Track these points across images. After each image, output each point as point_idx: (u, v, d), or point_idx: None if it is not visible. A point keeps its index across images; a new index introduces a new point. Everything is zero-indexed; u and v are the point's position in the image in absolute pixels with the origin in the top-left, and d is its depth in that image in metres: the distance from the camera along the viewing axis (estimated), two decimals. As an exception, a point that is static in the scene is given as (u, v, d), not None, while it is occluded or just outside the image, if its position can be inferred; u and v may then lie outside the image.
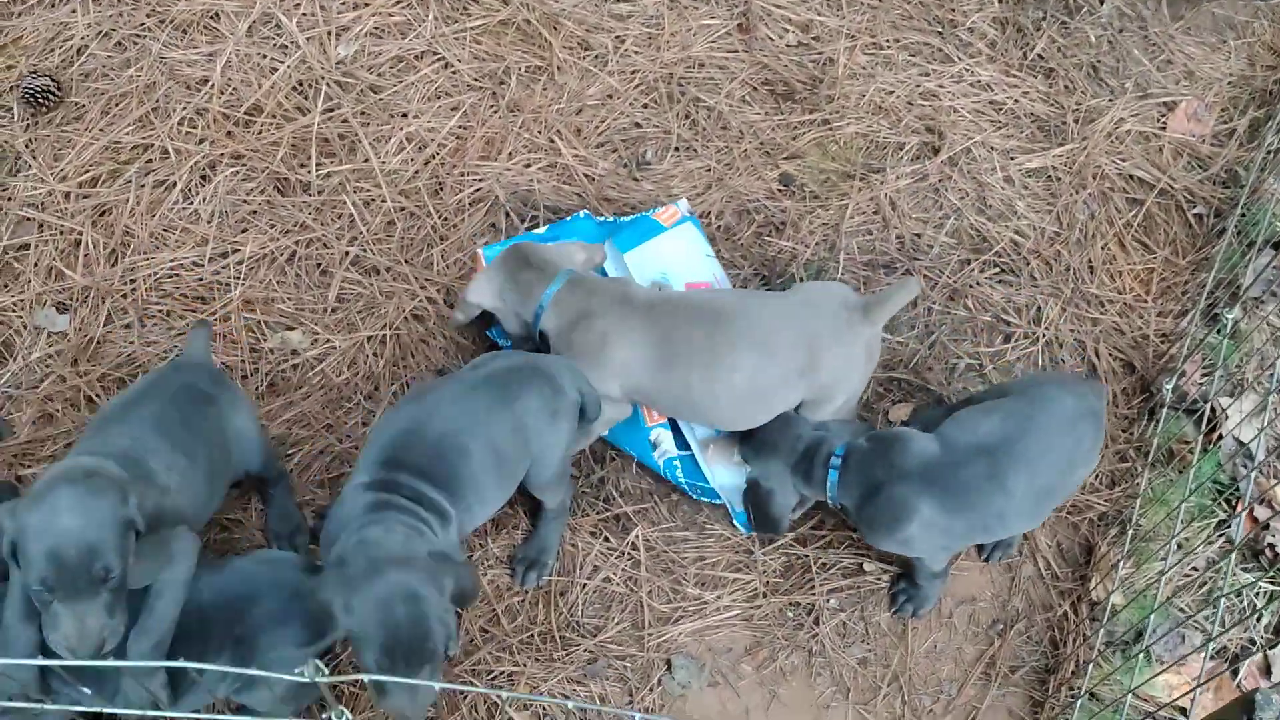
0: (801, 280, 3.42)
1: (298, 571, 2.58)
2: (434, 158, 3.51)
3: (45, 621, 2.26)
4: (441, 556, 2.45)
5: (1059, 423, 2.74)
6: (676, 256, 3.29)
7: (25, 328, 3.18)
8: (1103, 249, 3.57)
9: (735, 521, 3.12)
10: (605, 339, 2.88)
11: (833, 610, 3.05)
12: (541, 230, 3.37)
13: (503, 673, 2.90)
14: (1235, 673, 2.99)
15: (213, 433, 2.67)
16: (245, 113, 3.50)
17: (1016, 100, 3.79)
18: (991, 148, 3.70)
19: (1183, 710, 2.90)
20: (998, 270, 3.52)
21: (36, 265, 3.25)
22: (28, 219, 3.31)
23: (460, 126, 3.57)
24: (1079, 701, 2.80)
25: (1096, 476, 3.23)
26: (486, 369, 2.77)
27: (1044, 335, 3.42)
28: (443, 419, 2.64)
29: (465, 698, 2.84)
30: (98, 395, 3.10)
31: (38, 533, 2.18)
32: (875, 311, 2.90)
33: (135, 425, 2.54)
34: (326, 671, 1.71)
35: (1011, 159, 3.69)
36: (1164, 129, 3.76)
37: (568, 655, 2.93)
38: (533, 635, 2.95)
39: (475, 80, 3.64)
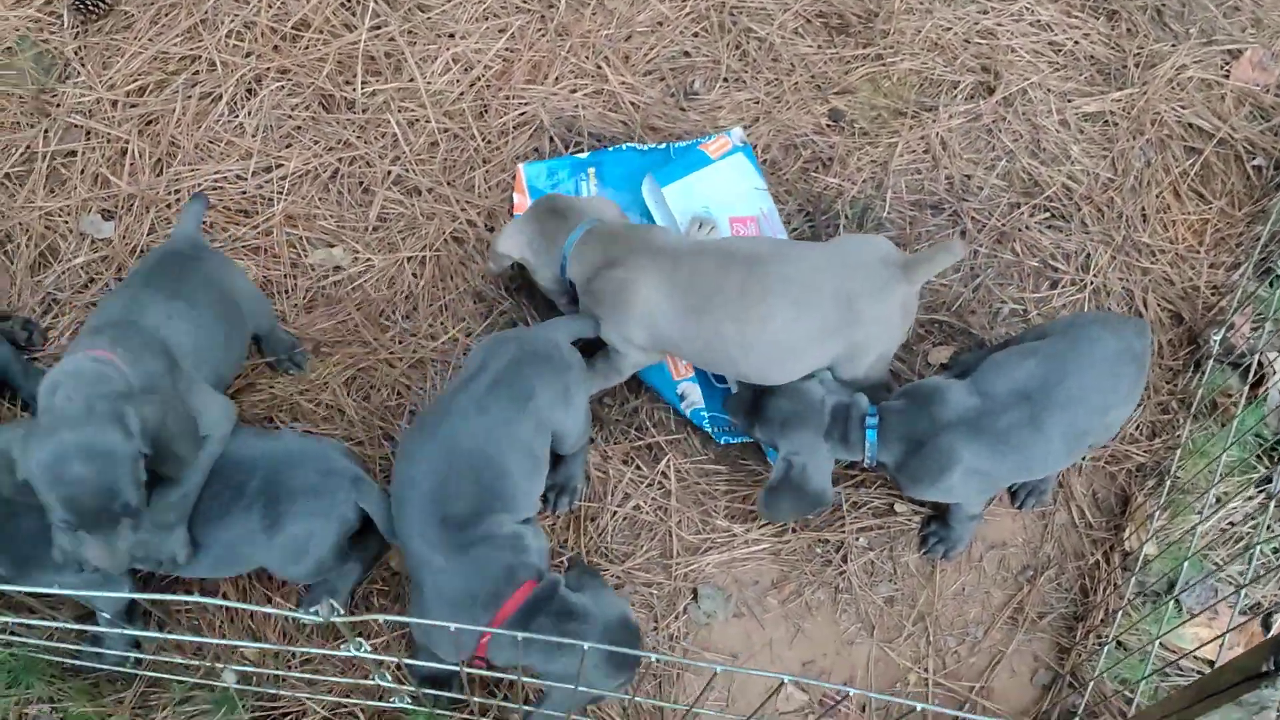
0: (847, 218, 3.38)
1: (341, 455, 2.68)
2: (480, 79, 3.49)
3: (76, 543, 2.30)
4: None
5: (1099, 364, 2.69)
6: (722, 189, 3.25)
7: (70, 233, 3.21)
8: (1157, 197, 3.49)
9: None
10: (627, 286, 2.82)
11: (861, 549, 3.04)
12: (584, 155, 3.34)
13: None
14: (1268, 627, 2.96)
15: (209, 282, 2.68)
16: (292, 27, 3.48)
17: (1076, 42, 3.70)
18: (1048, 89, 3.61)
19: (1210, 662, 2.88)
20: (1048, 215, 3.46)
21: (83, 172, 3.27)
22: (75, 126, 3.32)
23: (507, 49, 3.53)
24: (1106, 649, 2.78)
25: (1136, 427, 3.19)
26: (491, 371, 2.66)
27: (1092, 283, 3.36)
28: (468, 451, 2.56)
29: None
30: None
31: (50, 481, 2.19)
32: (915, 271, 2.78)
33: (125, 292, 2.56)
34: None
35: (1068, 102, 3.61)
36: (1227, 77, 3.66)
37: (595, 580, 2.95)
38: (563, 559, 2.96)
39: (524, 2, 3.60)
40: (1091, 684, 2.75)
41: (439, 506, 2.51)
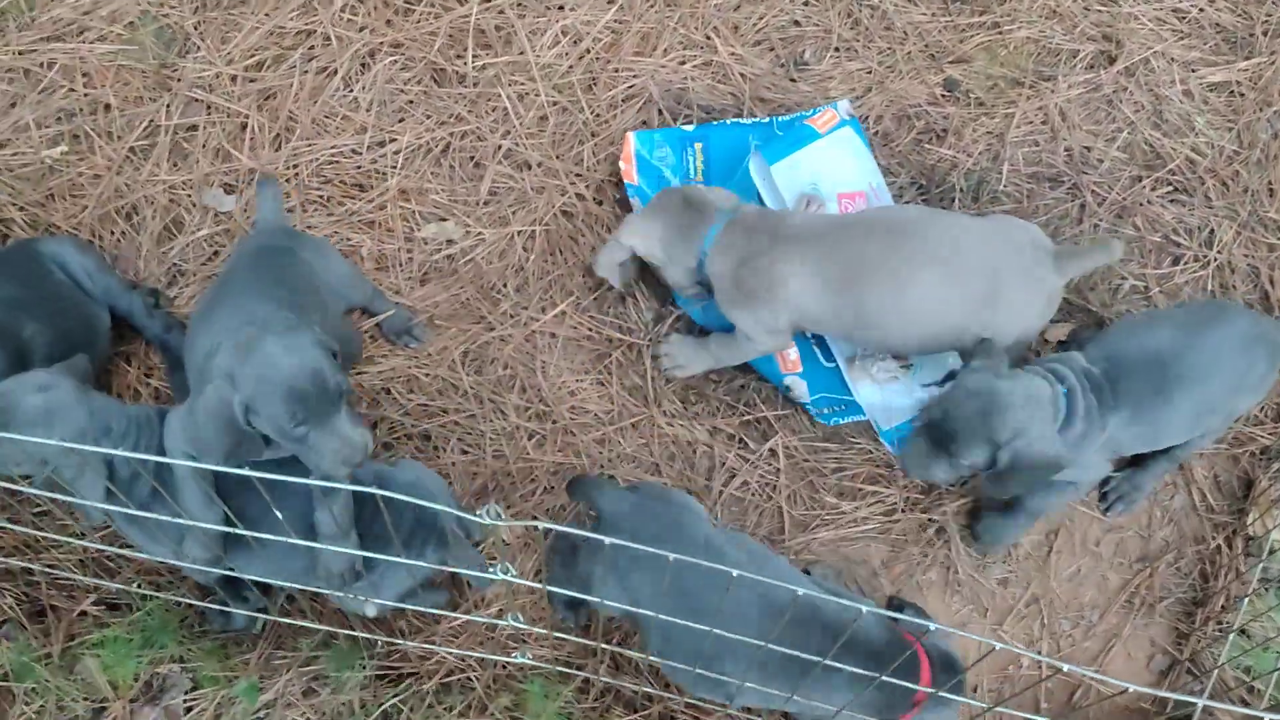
0: (961, 191, 3.32)
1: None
2: (589, 52, 3.48)
3: (309, 455, 2.34)
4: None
5: (1232, 341, 2.62)
6: (829, 164, 3.21)
7: (194, 206, 3.28)
8: (1286, 169, 3.37)
9: (881, 439, 3.08)
10: (774, 277, 2.79)
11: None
12: (690, 128, 3.32)
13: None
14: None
15: (304, 279, 2.73)
16: (405, 1, 3.50)
17: (1202, 9, 3.57)
18: (1171, 59, 3.50)
19: (1337, 654, 2.81)
20: (1170, 189, 3.36)
21: (205, 146, 3.34)
22: (196, 100, 3.39)
23: (616, 20, 3.52)
24: (1230, 637, 2.73)
25: (1262, 408, 3.10)
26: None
27: (1215, 259, 3.26)
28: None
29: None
30: (259, 276, 3.20)
31: (269, 385, 2.28)
32: (1067, 264, 2.75)
33: (229, 303, 2.57)
34: (506, 517, 1.71)
35: (1192, 71, 3.49)
36: (1364, 43, 3.51)
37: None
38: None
39: (634, -27, 3.57)
40: (1215, 672, 2.70)
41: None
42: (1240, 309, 2.70)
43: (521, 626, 1.95)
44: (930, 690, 2.24)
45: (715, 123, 3.36)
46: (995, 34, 3.51)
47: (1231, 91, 3.48)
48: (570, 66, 3.46)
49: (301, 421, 2.29)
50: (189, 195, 3.29)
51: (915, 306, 2.73)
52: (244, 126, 3.34)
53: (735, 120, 3.35)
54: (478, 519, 1.65)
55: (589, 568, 2.56)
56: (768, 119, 3.35)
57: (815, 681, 2.33)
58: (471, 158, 3.37)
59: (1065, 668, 1.42)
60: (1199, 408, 2.64)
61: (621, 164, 3.30)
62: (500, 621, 1.91)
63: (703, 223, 2.89)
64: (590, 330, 3.20)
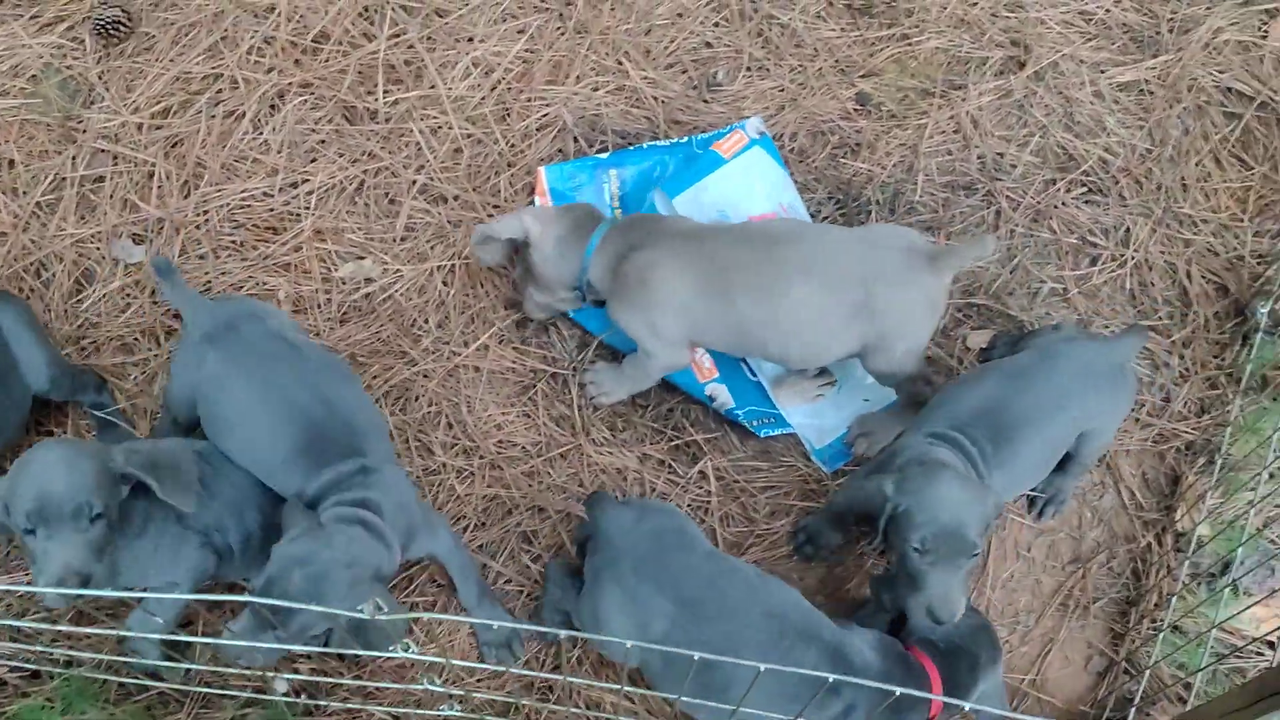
0: (878, 204, 3.32)
1: None
2: (500, 83, 3.46)
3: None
4: None
5: (1066, 376, 2.65)
6: (736, 190, 3.20)
7: (104, 259, 3.22)
8: (1197, 166, 3.40)
9: (812, 457, 3.07)
10: (651, 266, 2.80)
11: (907, 540, 3.00)
12: (604, 155, 3.31)
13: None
14: (1329, 607, 2.89)
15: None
16: (312, 40, 3.47)
17: (1108, 10, 3.61)
18: (1080, 61, 3.53)
19: (1270, 644, 2.82)
20: (1085, 190, 3.38)
21: (112, 197, 3.28)
22: (102, 151, 3.34)
23: (527, 50, 3.51)
24: (1161, 634, 2.73)
25: (1185, 404, 3.12)
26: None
27: (1133, 258, 3.28)
28: None
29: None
30: (174, 326, 3.15)
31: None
32: (942, 261, 2.74)
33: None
34: (386, 610, 1.73)
35: (1101, 72, 3.52)
36: (1265, 38, 3.55)
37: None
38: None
39: (542, 1, 3.56)
40: (1148, 671, 2.70)
41: None
42: (1075, 344, 2.72)
43: (437, 690, 1.92)
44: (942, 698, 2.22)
45: (631, 148, 3.34)
46: (904, 46, 3.53)
47: (1141, 90, 3.51)
48: (482, 98, 3.44)
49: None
50: (98, 248, 3.23)
51: (789, 317, 2.76)
52: (151, 175, 3.30)
53: (652, 144, 3.35)
54: (358, 615, 1.63)
55: (594, 584, 2.56)
56: (686, 139, 3.34)
57: (815, 706, 2.33)
58: (386, 194, 3.34)
59: (967, 707, 1.40)
60: (1052, 445, 2.67)
61: (536, 199, 3.28)
62: (396, 654, 1.87)
63: (592, 224, 2.91)
64: (514, 362, 3.17)
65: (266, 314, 2.76)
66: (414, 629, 2.84)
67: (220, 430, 2.68)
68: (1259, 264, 3.27)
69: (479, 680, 2.81)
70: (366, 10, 3.53)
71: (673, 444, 3.11)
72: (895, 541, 2.45)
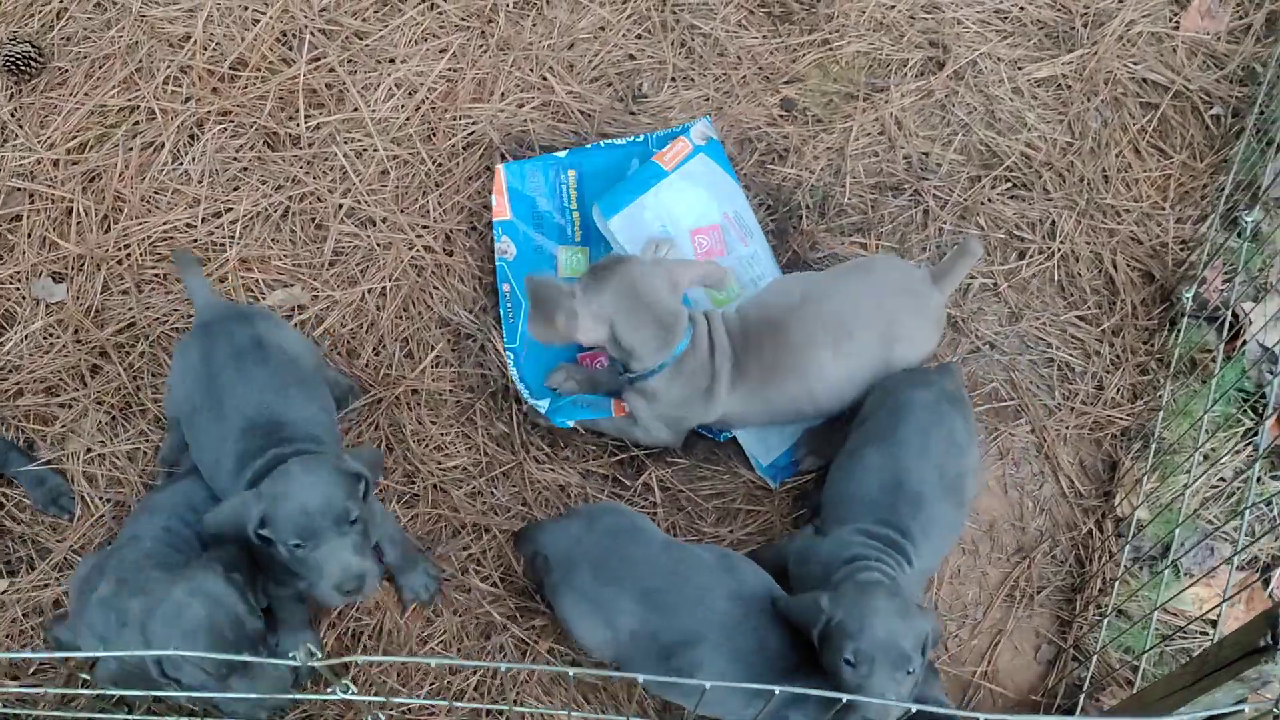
0: (808, 208, 3.34)
1: None
2: (424, 102, 3.43)
3: (309, 572, 2.39)
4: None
5: (925, 423, 2.67)
6: (679, 202, 3.17)
7: (24, 299, 3.15)
8: (1117, 157, 3.46)
9: (760, 474, 3.07)
10: (714, 387, 2.83)
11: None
12: (562, 154, 3.30)
13: (533, 626, 2.89)
14: (1266, 582, 2.94)
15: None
16: (230, 67, 3.42)
17: (1022, 8, 3.66)
18: (998, 59, 3.58)
19: (1212, 623, 2.86)
20: (1009, 185, 3.42)
21: (30, 236, 3.21)
22: (18, 189, 3.26)
23: (450, 69, 3.48)
24: (1106, 620, 2.75)
25: (1118, 391, 3.16)
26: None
27: (1059, 249, 3.33)
28: None
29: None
30: (99, 365, 3.08)
31: (283, 498, 2.35)
32: (943, 282, 2.87)
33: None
34: (320, 655, 1.70)
35: (1019, 69, 3.57)
36: (1177, 28, 3.62)
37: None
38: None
39: (462, 20, 3.55)
40: (1095, 657, 2.73)
41: None
42: (911, 386, 2.74)
43: (357, 698, 1.89)
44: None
45: (589, 146, 3.33)
46: (826, 51, 3.56)
47: (1059, 85, 3.57)
48: (407, 119, 3.42)
49: (303, 539, 2.34)
50: (18, 289, 3.16)
51: (830, 378, 2.81)
52: (69, 211, 3.23)
53: (610, 141, 3.32)
54: (290, 662, 1.60)
55: (557, 601, 2.59)
56: (642, 136, 3.33)
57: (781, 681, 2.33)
58: (313, 220, 3.29)
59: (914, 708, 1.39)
60: (953, 499, 2.66)
61: (493, 198, 3.25)
62: (334, 695, 1.85)
63: (674, 338, 2.81)
64: (451, 382, 3.14)
65: (256, 318, 2.72)
66: (349, 669, 2.80)
67: (187, 426, 2.68)
68: (1182, 250, 3.33)
69: (424, 712, 2.77)
70: (284, 35, 3.49)
71: (615, 459, 3.09)
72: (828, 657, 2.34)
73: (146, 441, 3.02)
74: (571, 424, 3.02)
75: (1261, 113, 3.40)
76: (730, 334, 2.86)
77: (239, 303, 3.04)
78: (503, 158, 3.37)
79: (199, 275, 2.79)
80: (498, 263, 3.20)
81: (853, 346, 2.79)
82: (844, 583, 2.46)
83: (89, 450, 3.00)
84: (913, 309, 2.83)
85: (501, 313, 3.17)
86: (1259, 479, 2.98)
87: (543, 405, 3.03)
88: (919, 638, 2.26)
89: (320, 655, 1.68)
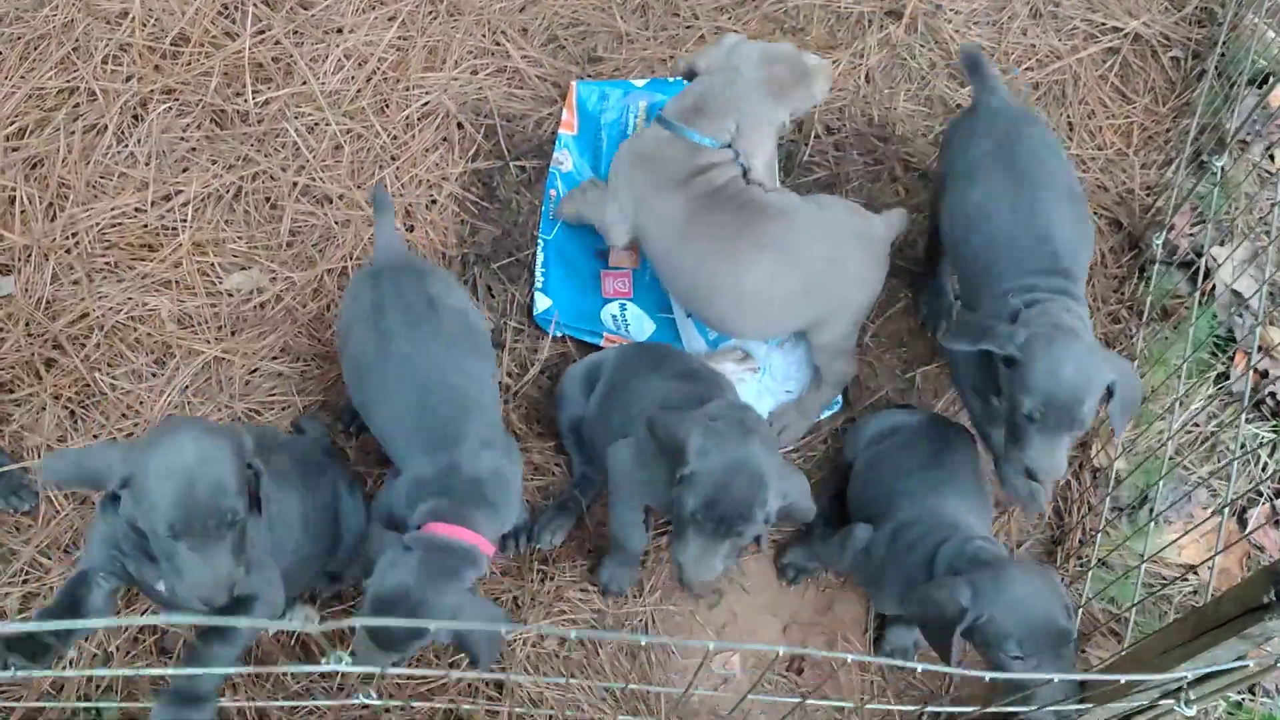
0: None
1: None
2: (376, 73, 3.33)
3: (169, 567, 2.11)
4: None
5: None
6: None
7: (-32, 294, 3.03)
8: (1080, 105, 3.44)
9: None
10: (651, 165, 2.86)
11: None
12: (641, 83, 3.32)
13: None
14: (1243, 524, 2.96)
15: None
16: (171, 43, 3.30)
17: (979, -46, 3.61)
18: (956, 10, 3.53)
19: (1193, 568, 2.87)
20: (974, 137, 3.39)
21: (-28, 228, 3.09)
22: (-45, 179, 3.13)
23: (400, 37, 3.38)
24: (1090, 572, 2.76)
25: (1090, 340, 3.16)
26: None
27: (1026, 200, 3.30)
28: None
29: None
30: (54, 358, 2.97)
31: (161, 474, 2.04)
32: (889, 226, 2.89)
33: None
34: (317, 620, 1.64)
35: (975, 23, 3.52)
36: (1134, -29, 3.60)
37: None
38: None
39: (411, -15, 3.44)
40: (1080, 609, 2.73)
41: None
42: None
43: (374, 703, 1.84)
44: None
45: (669, 79, 3.31)
46: (780, 5, 3.49)
47: (1020, 32, 3.52)
48: (358, 90, 3.32)
49: (176, 533, 2.05)
50: (-38, 282, 3.04)
51: (751, 288, 2.76)
52: (12, 200, 3.11)
53: (678, 79, 3.26)
54: (287, 624, 1.53)
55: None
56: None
57: None
58: (267, 199, 3.20)
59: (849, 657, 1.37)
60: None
61: (564, 113, 3.26)
62: (326, 667, 1.78)
63: None
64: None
65: (429, 274, 2.69)
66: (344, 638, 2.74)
67: (351, 377, 2.66)
68: (1148, 195, 3.32)
69: (421, 686, 2.72)
70: (226, 8, 3.37)
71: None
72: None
73: (109, 435, 2.93)
74: (559, 335, 3.08)
75: (1222, 54, 3.39)
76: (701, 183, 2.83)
77: (415, 257, 2.96)
78: (460, 126, 3.29)
79: (391, 221, 2.77)
80: (551, 170, 3.23)
81: (793, 273, 2.76)
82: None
83: (50, 448, 2.90)
84: (855, 257, 2.81)
85: (545, 211, 3.21)
86: (1233, 422, 2.99)
87: (545, 304, 3.07)
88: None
89: (317, 620, 1.62)
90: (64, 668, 2.60)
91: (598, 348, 3.07)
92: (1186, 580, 2.85)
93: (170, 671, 2.23)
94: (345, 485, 2.70)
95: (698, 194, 2.80)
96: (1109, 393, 2.38)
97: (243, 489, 2.12)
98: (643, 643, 1.72)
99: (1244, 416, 2.88)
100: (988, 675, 1.79)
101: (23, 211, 3.11)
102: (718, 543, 2.34)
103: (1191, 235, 3.17)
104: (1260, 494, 2.97)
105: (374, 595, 2.24)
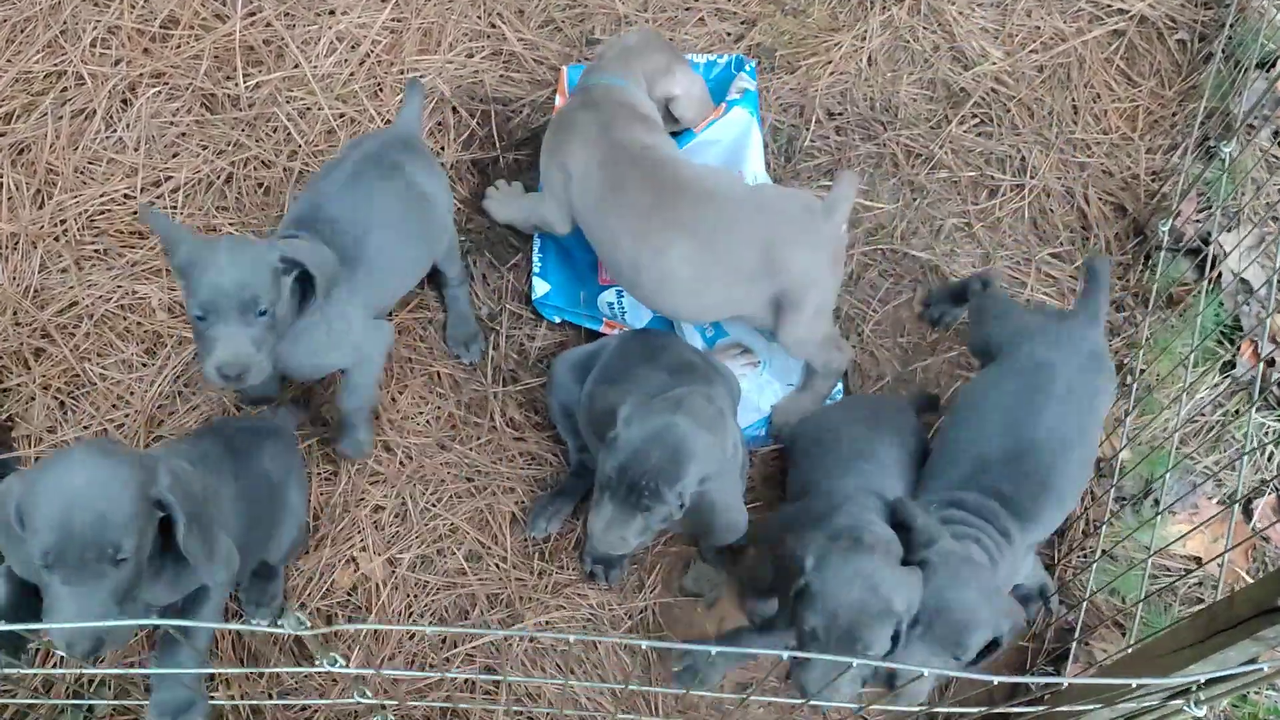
0: (773, 152, 3.24)
1: None
2: (369, 56, 3.28)
3: (200, 345, 2.32)
4: None
5: (1070, 378, 2.55)
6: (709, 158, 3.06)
7: (-45, 282, 2.98)
8: (1086, 88, 3.38)
9: None
10: (572, 126, 2.84)
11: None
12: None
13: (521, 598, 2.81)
14: (1249, 515, 2.93)
15: (407, 200, 2.71)
16: (160, 26, 3.24)
17: (983, -65, 3.55)
18: (960, -10, 3.48)
19: (1198, 560, 2.84)
20: (977, 122, 3.34)
21: (-42, 214, 3.04)
22: (-59, 165, 3.08)
23: (394, 19, 3.32)
24: (1094, 564, 2.73)
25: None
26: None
27: (1031, 187, 3.26)
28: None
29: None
30: (42, 348, 2.93)
31: (43, 496, 1.88)
32: (832, 212, 2.70)
33: (320, 187, 2.65)
34: (308, 624, 1.60)
35: (979, 4, 3.47)
36: (1141, -48, 3.54)
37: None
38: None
39: (405, -33, 3.38)
40: (1085, 603, 2.70)
41: None
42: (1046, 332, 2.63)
43: (369, 701, 1.80)
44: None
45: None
46: (784, -14, 3.44)
47: (1025, 14, 3.47)
48: (351, 74, 3.26)
49: (49, 564, 1.88)
50: (-52, 270, 2.98)
51: (667, 271, 2.71)
52: (-1, 187, 3.05)
53: (690, 59, 3.20)
54: (280, 630, 1.50)
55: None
56: (722, 56, 3.27)
57: None
58: (259, 185, 3.14)
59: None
60: (1082, 456, 2.54)
61: (556, 98, 3.20)
62: (320, 668, 1.75)
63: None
64: (415, 350, 3.02)
65: (415, 153, 2.80)
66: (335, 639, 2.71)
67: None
68: (1154, 181, 3.27)
69: (417, 685, 2.69)
70: (216, -11, 3.30)
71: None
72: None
73: (99, 425, 2.88)
74: (558, 321, 3.07)
75: (1230, 37, 3.34)
76: (621, 141, 2.79)
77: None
78: (454, 110, 3.23)
79: (419, 104, 2.90)
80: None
81: (712, 259, 2.67)
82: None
83: (40, 441, 2.85)
84: (804, 239, 2.68)
85: None
86: (1238, 411, 2.95)
87: (543, 288, 3.04)
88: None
89: (309, 624, 1.58)
90: (54, 665, 2.57)
91: (600, 334, 3.03)
92: (1191, 571, 2.82)
93: (157, 671, 2.18)
94: (294, 477, 2.63)
95: (613, 155, 2.75)
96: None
97: (138, 526, 1.92)
98: (643, 646, 1.67)
99: (1254, 408, 2.84)
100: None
101: (10, 198, 3.05)
102: (629, 514, 2.33)
103: (1198, 222, 3.12)
104: (1266, 484, 2.94)
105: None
